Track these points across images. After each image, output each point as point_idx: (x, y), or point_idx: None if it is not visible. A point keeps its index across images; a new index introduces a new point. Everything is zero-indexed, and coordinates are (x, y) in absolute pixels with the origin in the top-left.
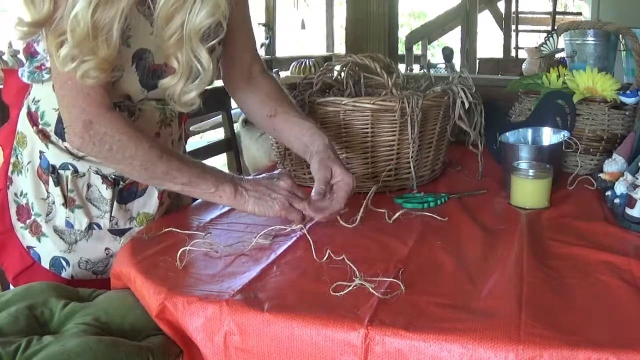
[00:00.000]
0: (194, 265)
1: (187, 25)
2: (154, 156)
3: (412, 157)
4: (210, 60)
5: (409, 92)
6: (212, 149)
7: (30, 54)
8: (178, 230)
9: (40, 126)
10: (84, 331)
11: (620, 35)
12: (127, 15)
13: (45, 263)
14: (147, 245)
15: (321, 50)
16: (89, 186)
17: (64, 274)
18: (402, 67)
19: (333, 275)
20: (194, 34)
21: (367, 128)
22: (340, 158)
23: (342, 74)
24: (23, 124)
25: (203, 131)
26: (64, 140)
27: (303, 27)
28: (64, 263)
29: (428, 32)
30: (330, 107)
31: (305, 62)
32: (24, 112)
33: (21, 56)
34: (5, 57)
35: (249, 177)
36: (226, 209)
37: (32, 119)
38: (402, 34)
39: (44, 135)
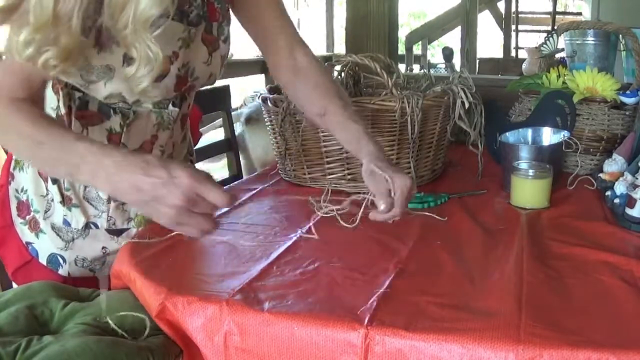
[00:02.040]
0: (194, 265)
1: (136, 14)
2: (33, 145)
3: (412, 157)
4: (159, 49)
5: (409, 92)
6: (212, 149)
7: None
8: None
9: None
10: (84, 331)
11: (620, 35)
12: (89, 2)
13: (43, 259)
14: (147, 246)
15: (321, 50)
16: (86, 186)
17: (60, 271)
18: (402, 67)
19: (333, 275)
20: (142, 24)
21: (367, 128)
22: (391, 162)
23: (342, 74)
24: None
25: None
26: None
27: (298, 27)
28: (60, 260)
29: (428, 32)
30: None
31: None
32: None
33: None
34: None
35: (136, 157)
36: (227, 208)
37: None
38: (402, 34)
39: None
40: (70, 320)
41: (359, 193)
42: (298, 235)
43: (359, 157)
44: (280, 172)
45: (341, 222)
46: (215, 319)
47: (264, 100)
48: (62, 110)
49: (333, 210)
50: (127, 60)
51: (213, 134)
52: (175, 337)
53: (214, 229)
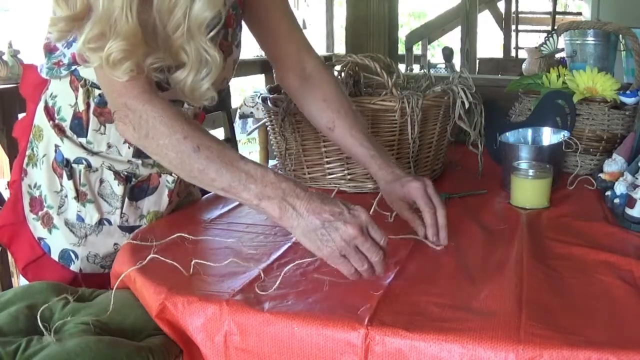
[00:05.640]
0: (194, 265)
1: (189, 17)
2: (189, 149)
3: (412, 157)
4: (217, 51)
5: (409, 92)
6: None
7: (50, 50)
8: (187, 235)
9: (56, 121)
10: (84, 331)
11: (620, 35)
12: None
13: (55, 255)
14: (147, 245)
15: (321, 50)
16: (101, 181)
17: (72, 267)
18: (402, 67)
19: (333, 275)
20: (197, 26)
21: (367, 128)
22: (405, 173)
23: (342, 74)
24: (40, 118)
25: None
26: (78, 135)
27: (304, 27)
28: (73, 256)
29: (428, 32)
30: None
31: None
32: (41, 106)
33: (21, 56)
34: (5, 57)
35: (313, 192)
36: (227, 208)
37: (49, 113)
38: (402, 34)
39: (60, 130)
40: (70, 320)
41: (361, 192)
42: None
43: (377, 180)
44: (280, 172)
45: None
46: (215, 319)
47: (264, 100)
48: (81, 107)
49: None
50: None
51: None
52: (175, 337)
53: (372, 273)
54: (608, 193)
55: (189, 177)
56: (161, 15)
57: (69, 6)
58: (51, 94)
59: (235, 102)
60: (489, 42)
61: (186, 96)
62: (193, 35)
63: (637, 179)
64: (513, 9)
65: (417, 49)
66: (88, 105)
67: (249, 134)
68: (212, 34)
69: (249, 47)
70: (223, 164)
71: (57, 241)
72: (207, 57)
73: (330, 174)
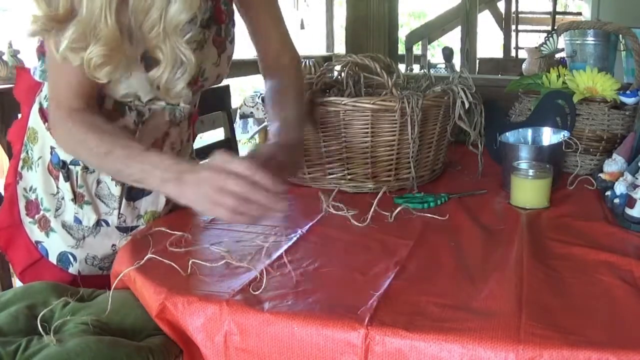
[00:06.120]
0: (194, 265)
1: (165, 19)
2: (101, 155)
3: (412, 157)
4: (192, 52)
5: (409, 92)
6: (212, 149)
7: (43, 53)
8: (187, 235)
9: None
10: (84, 331)
11: (620, 35)
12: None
13: (53, 258)
14: (147, 245)
15: (321, 50)
16: (98, 182)
17: (71, 270)
18: (402, 67)
19: (333, 275)
20: (172, 28)
21: (367, 128)
22: (262, 155)
23: (342, 74)
24: (34, 120)
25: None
26: None
27: (302, 27)
28: (71, 258)
29: (428, 32)
30: (330, 107)
31: (305, 62)
32: (35, 108)
33: (21, 56)
34: (5, 57)
35: (204, 164)
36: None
37: (44, 115)
38: (402, 34)
39: None
40: (70, 320)
41: (361, 192)
42: (298, 236)
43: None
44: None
45: (353, 221)
46: (215, 319)
47: (264, 100)
48: None
49: (343, 210)
50: (146, 60)
51: (213, 134)
52: (175, 337)
53: (260, 209)
54: (608, 193)
55: (116, 177)
56: (136, 15)
57: (49, 6)
58: (45, 95)
59: (235, 102)
60: (489, 42)
61: (162, 94)
62: (168, 36)
63: (637, 179)
64: (513, 9)
65: (417, 49)
66: None
67: (252, 137)
68: (187, 37)
69: (249, 48)
70: (133, 161)
71: (55, 244)
72: (183, 58)
73: (330, 174)
